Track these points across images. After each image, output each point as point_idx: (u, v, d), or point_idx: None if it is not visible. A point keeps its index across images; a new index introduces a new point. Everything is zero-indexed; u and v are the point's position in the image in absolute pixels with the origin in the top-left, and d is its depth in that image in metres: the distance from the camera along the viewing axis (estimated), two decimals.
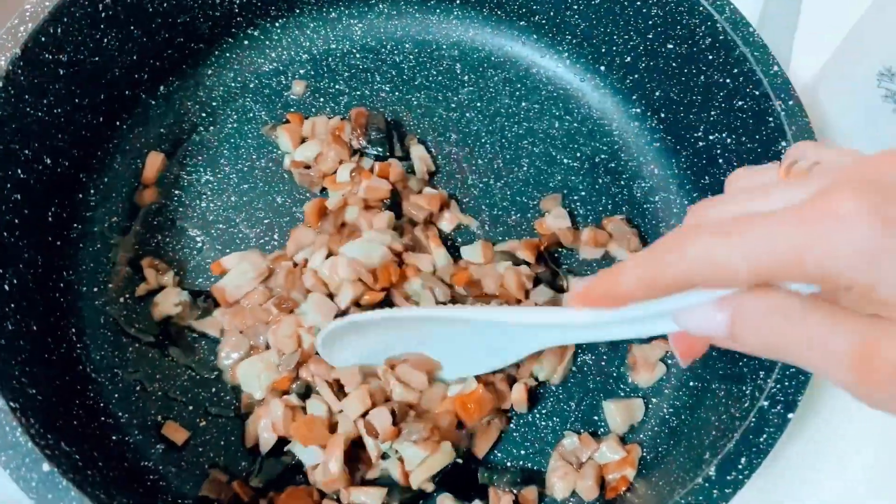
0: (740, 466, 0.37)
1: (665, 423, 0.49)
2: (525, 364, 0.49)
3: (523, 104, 0.61)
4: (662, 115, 0.58)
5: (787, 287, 0.26)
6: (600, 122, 0.60)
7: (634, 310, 0.30)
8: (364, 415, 0.45)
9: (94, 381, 0.47)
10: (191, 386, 0.48)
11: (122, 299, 0.50)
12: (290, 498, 0.44)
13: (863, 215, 0.23)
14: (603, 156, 0.59)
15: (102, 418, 0.46)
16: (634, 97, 0.59)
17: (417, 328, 0.45)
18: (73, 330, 0.48)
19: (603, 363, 0.51)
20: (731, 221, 0.26)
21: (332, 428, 0.46)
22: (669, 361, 0.51)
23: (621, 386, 0.51)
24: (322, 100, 0.59)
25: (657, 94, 0.57)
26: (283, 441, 0.46)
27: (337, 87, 0.60)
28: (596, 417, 0.49)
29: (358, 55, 0.61)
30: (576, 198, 0.57)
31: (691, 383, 0.50)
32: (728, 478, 0.37)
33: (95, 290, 0.50)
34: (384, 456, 0.46)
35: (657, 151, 0.58)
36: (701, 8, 0.51)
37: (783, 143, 0.47)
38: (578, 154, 0.59)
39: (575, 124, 0.60)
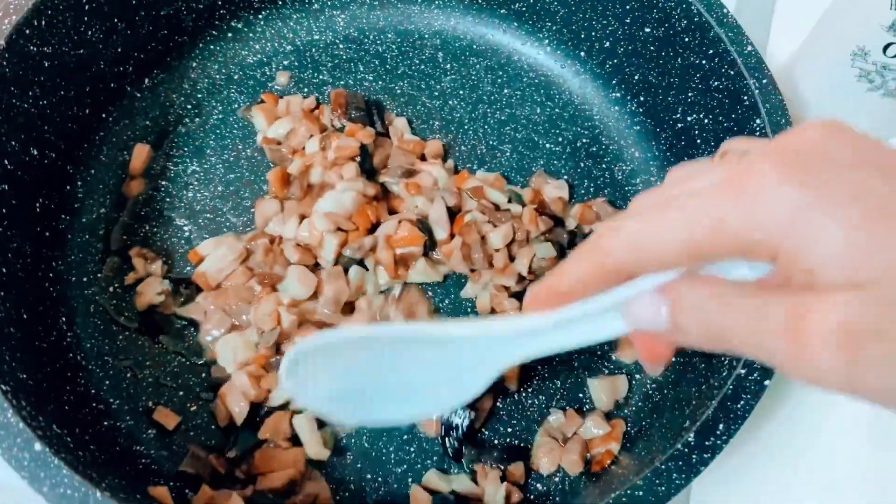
0: (718, 432, 0.38)
1: (648, 399, 0.50)
2: None
3: (505, 91, 0.61)
4: (642, 99, 0.59)
5: (729, 275, 0.27)
6: (581, 107, 0.61)
7: (583, 305, 0.30)
8: None
9: (85, 369, 0.48)
10: (181, 372, 0.49)
11: (111, 289, 0.51)
12: (262, 460, 0.44)
13: (782, 181, 0.23)
14: (584, 140, 0.60)
15: (94, 404, 0.47)
16: (614, 82, 0.60)
17: (386, 350, 0.40)
18: (64, 319, 0.49)
19: None
20: (662, 202, 0.26)
21: None
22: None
23: (605, 364, 0.52)
24: (306, 90, 0.60)
25: (636, 77, 0.58)
26: (257, 414, 0.47)
27: (321, 77, 0.60)
28: (581, 395, 0.50)
29: (341, 46, 0.62)
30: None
31: (674, 359, 0.51)
32: (707, 443, 0.38)
33: (85, 279, 0.51)
34: None
35: (637, 134, 0.59)
36: None
37: (758, 121, 0.48)
38: (560, 139, 0.60)
39: (556, 110, 0.61)
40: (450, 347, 0.37)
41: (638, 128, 0.59)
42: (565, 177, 0.58)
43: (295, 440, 0.47)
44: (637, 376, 0.51)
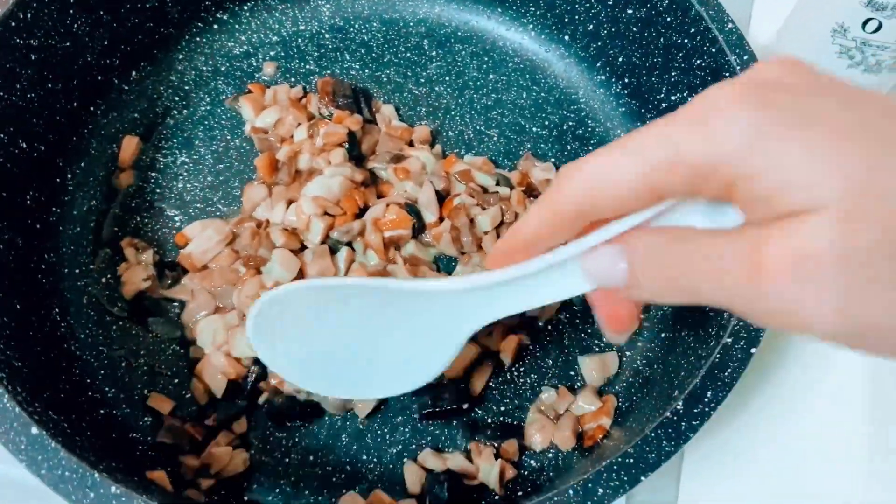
0: (706, 399, 0.39)
1: (639, 374, 0.50)
2: None
3: (491, 76, 0.62)
4: (626, 80, 0.59)
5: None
6: (567, 90, 0.62)
7: (542, 259, 0.29)
8: None
9: (80, 359, 0.48)
10: (175, 360, 0.49)
11: (103, 279, 0.51)
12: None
13: (740, 106, 0.22)
14: (571, 123, 0.60)
15: (90, 393, 0.47)
16: (598, 64, 0.61)
17: (352, 305, 0.39)
18: (57, 310, 0.49)
19: (578, 321, 0.53)
20: (622, 137, 0.26)
21: None
22: (642, 316, 0.53)
23: (596, 342, 0.52)
24: (293, 80, 0.60)
25: (620, 59, 0.59)
26: (235, 388, 0.48)
27: (307, 67, 0.61)
28: (572, 372, 0.51)
29: (327, 35, 0.62)
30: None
31: (663, 335, 0.51)
32: (695, 410, 0.38)
33: (77, 271, 0.51)
34: None
35: (623, 116, 0.60)
36: None
37: None
38: (547, 122, 0.60)
39: (542, 94, 0.61)
40: (414, 305, 0.36)
41: (623, 109, 0.60)
42: (552, 160, 0.59)
43: None
44: (628, 353, 0.52)
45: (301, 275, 0.50)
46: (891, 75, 0.58)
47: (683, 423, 0.38)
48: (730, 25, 0.50)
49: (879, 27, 0.54)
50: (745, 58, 0.49)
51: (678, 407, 0.38)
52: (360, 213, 0.52)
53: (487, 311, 0.34)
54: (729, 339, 0.40)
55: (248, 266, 0.50)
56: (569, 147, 0.59)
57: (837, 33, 0.56)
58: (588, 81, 0.62)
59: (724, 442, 0.50)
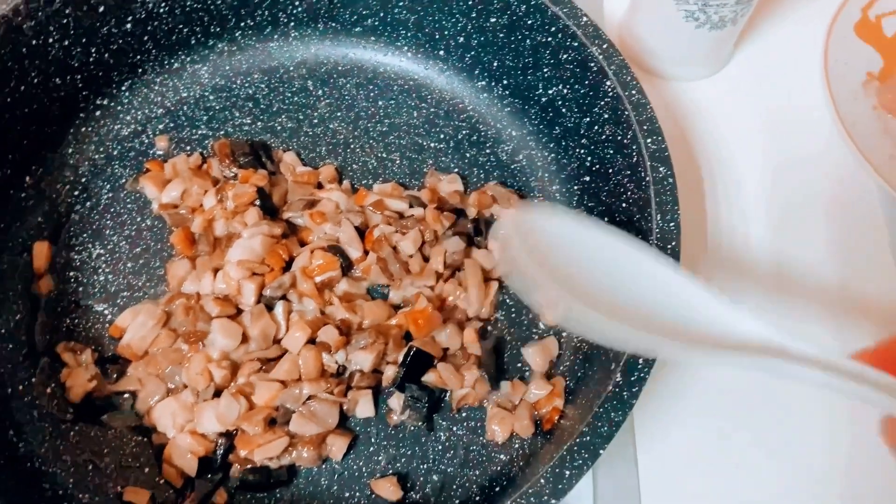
0: (640, 366, 0.43)
1: (578, 351, 0.54)
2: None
3: (380, 103, 0.64)
4: (506, 82, 0.63)
5: None
6: (453, 101, 0.65)
7: (882, 376, 0.30)
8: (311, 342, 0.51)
9: (47, 473, 0.48)
10: (140, 450, 0.50)
11: (48, 390, 0.51)
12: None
13: None
14: (465, 131, 0.64)
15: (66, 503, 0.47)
16: (476, 72, 0.64)
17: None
18: (12, 432, 0.49)
19: (513, 315, 0.56)
20: None
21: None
22: None
23: (534, 331, 0.56)
24: (189, 148, 0.61)
25: (495, 64, 0.62)
26: (207, 463, 0.49)
27: (200, 132, 0.62)
28: (520, 364, 0.55)
29: (211, 97, 0.63)
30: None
31: None
32: (633, 379, 0.42)
33: (21, 388, 0.51)
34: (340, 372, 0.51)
35: (510, 115, 0.64)
36: None
37: (608, 82, 0.53)
38: (442, 135, 0.63)
39: (432, 109, 0.64)
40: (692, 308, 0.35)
41: (509, 109, 0.64)
42: (456, 170, 0.62)
43: None
44: (564, 334, 0.56)
45: (245, 339, 0.51)
46: (734, 28, 0.64)
47: (626, 393, 0.42)
48: (584, 19, 0.54)
49: None
50: (605, 46, 0.53)
51: (618, 379, 0.42)
52: (288, 265, 0.54)
53: (785, 369, 0.33)
54: None
55: (190, 342, 0.51)
56: (468, 154, 0.63)
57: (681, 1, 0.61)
58: (471, 89, 0.65)
59: (675, 417, 0.54)
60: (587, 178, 0.58)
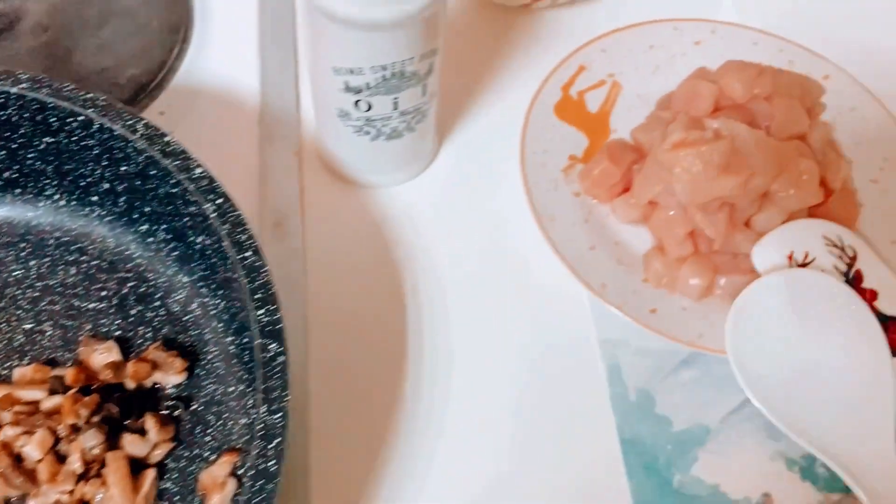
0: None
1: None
2: None
3: (32, 263, 0.57)
4: (165, 226, 0.56)
5: None
6: (117, 249, 0.58)
7: None
8: None
9: None
10: None
11: None
12: None
13: None
14: (130, 284, 0.57)
15: None
16: (135, 216, 0.57)
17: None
18: None
19: None
20: None
21: None
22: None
23: None
24: None
25: (147, 209, 0.56)
26: None
27: None
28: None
29: None
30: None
31: None
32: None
33: None
34: None
35: (178, 260, 0.57)
36: (116, 132, 0.50)
37: (224, 242, 0.47)
38: (104, 293, 0.56)
39: (93, 262, 0.57)
40: None
41: (176, 253, 0.57)
42: (118, 332, 0.55)
43: None
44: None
45: None
46: (414, 134, 0.59)
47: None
48: (198, 171, 0.48)
49: (371, 106, 0.55)
50: (220, 201, 0.48)
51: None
52: None
53: None
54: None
55: None
56: (132, 312, 0.56)
57: (343, 117, 0.56)
58: (134, 234, 0.58)
59: None
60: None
